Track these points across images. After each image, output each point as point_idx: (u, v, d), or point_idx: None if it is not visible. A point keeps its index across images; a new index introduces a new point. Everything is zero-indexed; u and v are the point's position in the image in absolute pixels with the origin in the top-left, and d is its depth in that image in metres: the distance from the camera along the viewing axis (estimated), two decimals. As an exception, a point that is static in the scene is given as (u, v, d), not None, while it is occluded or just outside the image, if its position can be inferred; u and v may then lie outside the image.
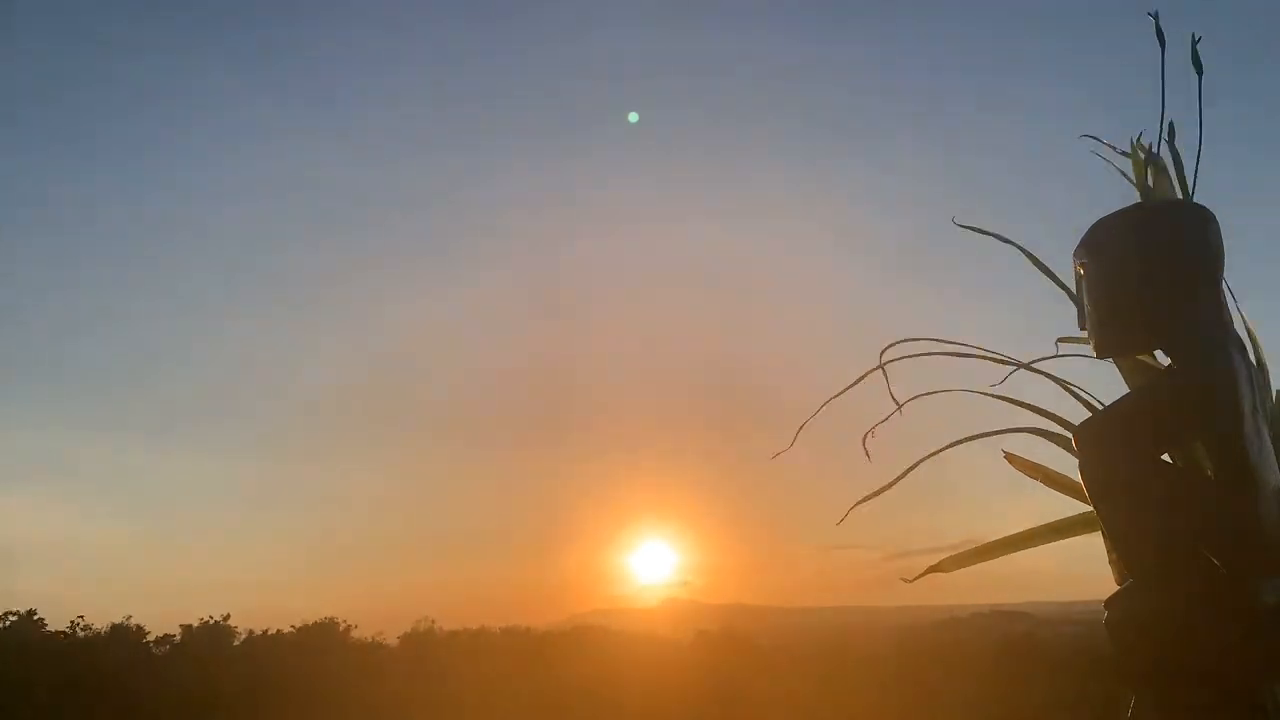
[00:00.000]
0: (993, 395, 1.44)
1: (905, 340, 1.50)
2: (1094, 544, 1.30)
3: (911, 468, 1.46)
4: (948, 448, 1.44)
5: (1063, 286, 1.45)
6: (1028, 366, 1.44)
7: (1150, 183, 1.40)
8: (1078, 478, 1.41)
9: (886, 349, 1.49)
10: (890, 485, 1.48)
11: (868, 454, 1.49)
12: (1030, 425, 1.43)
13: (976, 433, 1.44)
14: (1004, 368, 1.45)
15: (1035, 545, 1.41)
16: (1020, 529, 1.43)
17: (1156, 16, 1.32)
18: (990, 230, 1.53)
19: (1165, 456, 1.17)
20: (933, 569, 1.46)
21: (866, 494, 1.49)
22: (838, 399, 1.51)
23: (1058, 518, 1.40)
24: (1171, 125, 1.34)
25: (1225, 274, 1.17)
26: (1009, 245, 1.51)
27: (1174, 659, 1.07)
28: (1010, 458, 1.47)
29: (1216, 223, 1.17)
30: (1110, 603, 1.15)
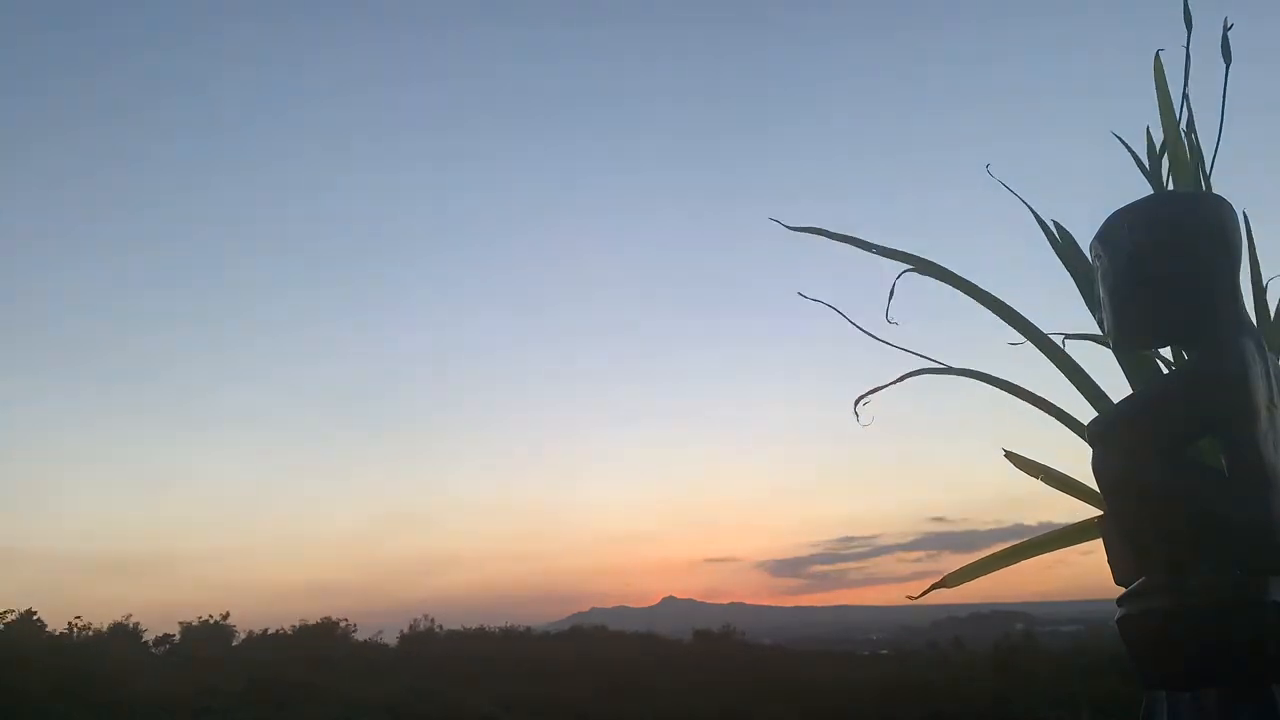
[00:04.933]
0: (993, 384, 1.43)
1: (918, 269, 1.47)
2: (1093, 544, 1.30)
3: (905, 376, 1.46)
4: (945, 371, 1.44)
5: (1074, 274, 1.44)
6: (1040, 339, 1.42)
7: (1166, 173, 1.39)
8: (1078, 475, 1.40)
9: (902, 273, 1.48)
10: (878, 389, 1.47)
11: (857, 416, 1.48)
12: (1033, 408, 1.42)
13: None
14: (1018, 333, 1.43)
15: (1032, 556, 1.42)
16: (1019, 522, 1.43)
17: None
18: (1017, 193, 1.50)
19: (1179, 452, 1.16)
20: (937, 585, 1.48)
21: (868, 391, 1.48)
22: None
23: (1057, 516, 1.40)
24: (1190, 115, 1.33)
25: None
26: (1031, 216, 1.48)
27: (1187, 658, 1.07)
28: (1011, 456, 1.46)
29: (1234, 214, 1.15)
30: (1123, 601, 1.14)
